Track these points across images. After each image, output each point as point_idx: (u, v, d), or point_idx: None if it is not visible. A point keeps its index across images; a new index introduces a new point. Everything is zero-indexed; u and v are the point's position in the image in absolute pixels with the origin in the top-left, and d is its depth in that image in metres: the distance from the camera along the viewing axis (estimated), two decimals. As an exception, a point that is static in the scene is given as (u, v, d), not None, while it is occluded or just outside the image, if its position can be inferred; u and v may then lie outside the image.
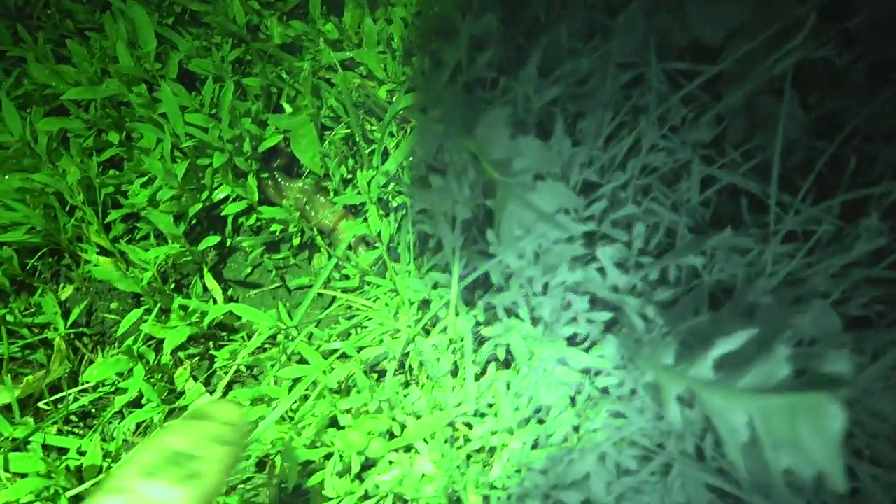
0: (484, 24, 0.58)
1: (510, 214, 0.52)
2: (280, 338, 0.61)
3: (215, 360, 0.62)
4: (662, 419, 0.56)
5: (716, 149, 0.66)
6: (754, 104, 0.71)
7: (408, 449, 0.55)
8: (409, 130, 0.67)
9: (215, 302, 0.65)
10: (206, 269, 0.65)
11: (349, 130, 0.67)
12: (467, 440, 0.56)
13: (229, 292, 0.67)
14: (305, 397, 0.55)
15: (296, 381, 0.56)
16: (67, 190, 0.60)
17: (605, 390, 0.56)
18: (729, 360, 0.47)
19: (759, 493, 0.53)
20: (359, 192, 0.64)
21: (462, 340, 0.55)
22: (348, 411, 0.53)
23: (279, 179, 0.69)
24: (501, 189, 0.52)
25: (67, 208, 0.63)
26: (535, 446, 0.51)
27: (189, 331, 0.59)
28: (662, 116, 0.64)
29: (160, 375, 0.61)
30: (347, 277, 0.64)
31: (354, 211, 0.68)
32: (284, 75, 0.68)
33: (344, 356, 0.57)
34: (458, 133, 0.60)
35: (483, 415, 0.56)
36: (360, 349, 0.56)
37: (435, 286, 0.59)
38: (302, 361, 0.59)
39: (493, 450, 0.54)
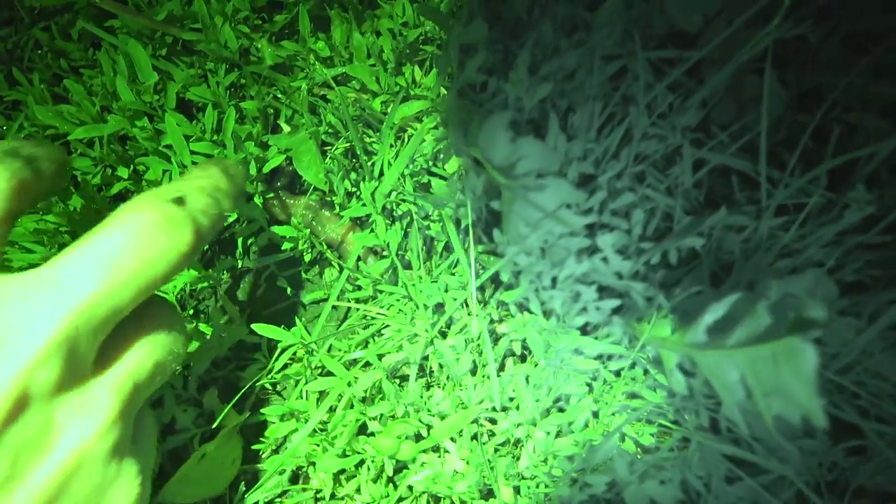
0: (474, 30, 0.60)
1: (517, 215, 0.54)
2: (300, 353, 0.63)
3: (240, 380, 0.64)
4: (675, 395, 0.58)
5: (703, 132, 0.69)
6: (736, 85, 0.73)
7: (436, 449, 0.57)
8: (407, 139, 0.69)
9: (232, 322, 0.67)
10: (221, 292, 0.67)
11: (349, 144, 0.69)
12: (492, 435, 0.59)
13: (246, 312, 0.69)
14: (333, 408, 0.57)
15: (321, 393, 0.58)
16: (80, 227, 0.61)
17: (618, 373, 0.59)
18: (719, 325, 0.50)
19: (770, 453, 0.56)
20: (364, 204, 0.65)
21: (479, 339, 0.57)
22: (376, 418, 0.55)
23: (284, 198, 0.71)
24: (506, 191, 0.54)
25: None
26: (559, 434, 0.54)
27: (213, 354, 0.61)
28: (650, 104, 0.67)
29: (188, 400, 0.63)
30: (360, 288, 0.66)
31: (360, 223, 0.69)
32: (280, 95, 0.70)
33: (366, 364, 0.59)
34: (458, 139, 0.62)
35: (505, 409, 0.58)
36: (380, 356, 0.58)
37: (447, 289, 0.61)
38: (326, 374, 0.61)
39: (518, 441, 0.56)
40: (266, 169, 0.67)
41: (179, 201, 0.43)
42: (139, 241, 0.39)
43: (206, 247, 0.67)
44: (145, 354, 0.42)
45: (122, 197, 0.68)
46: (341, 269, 0.67)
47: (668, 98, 0.67)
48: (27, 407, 0.35)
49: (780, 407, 0.42)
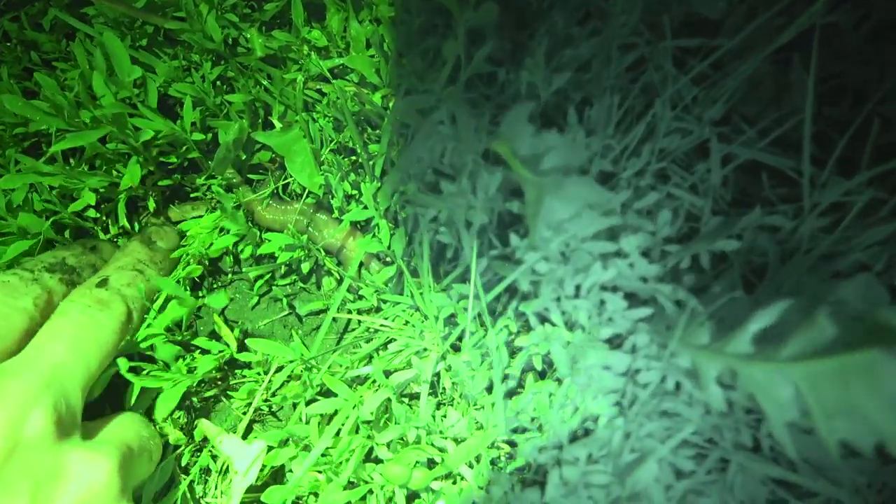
0: (484, 13, 0.55)
1: (543, 215, 0.49)
2: (298, 370, 0.57)
3: (231, 401, 0.58)
4: (710, 412, 0.54)
5: (728, 126, 0.64)
6: (760, 77, 0.69)
7: (451, 476, 0.52)
8: (410, 136, 0.64)
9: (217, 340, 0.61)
10: (216, 316, 0.61)
11: (347, 143, 0.63)
12: (510, 459, 0.53)
13: (238, 326, 0.63)
14: (337, 432, 0.51)
15: (323, 416, 0.53)
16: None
17: (646, 386, 0.54)
18: (767, 334, 0.45)
19: (816, 474, 0.51)
20: (365, 207, 0.60)
21: (496, 351, 0.52)
22: (386, 444, 0.50)
23: (274, 203, 0.65)
24: (531, 189, 0.48)
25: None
26: (589, 460, 0.48)
27: (200, 375, 0.55)
28: (672, 97, 0.62)
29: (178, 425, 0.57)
30: (362, 298, 0.60)
31: (361, 227, 0.64)
32: (272, 87, 0.64)
33: (371, 382, 0.53)
34: (468, 134, 0.57)
35: (524, 430, 0.53)
36: (387, 373, 0.53)
37: (459, 299, 0.56)
38: (326, 393, 0.55)
39: (540, 468, 0.51)
40: (256, 160, 0.61)
41: (103, 283, 0.54)
42: (81, 317, 0.51)
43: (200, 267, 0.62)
44: (130, 434, 0.51)
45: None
46: (341, 278, 0.61)
47: (693, 90, 0.62)
48: (28, 447, 0.44)
49: (847, 431, 0.37)
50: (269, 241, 0.58)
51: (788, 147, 0.63)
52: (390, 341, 0.59)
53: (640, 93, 0.64)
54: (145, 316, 0.57)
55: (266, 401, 0.58)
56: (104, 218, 0.61)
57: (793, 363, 0.41)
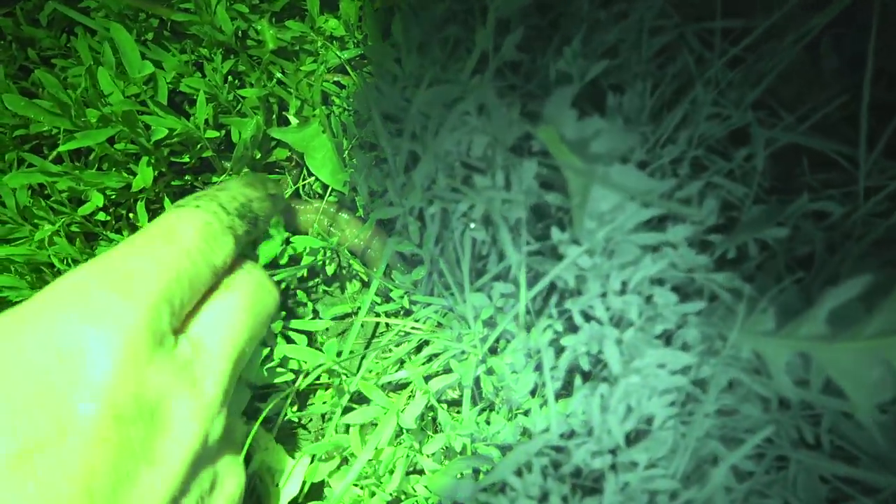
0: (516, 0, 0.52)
1: (590, 206, 0.46)
2: (325, 377, 0.54)
3: (258, 412, 0.55)
4: (767, 408, 0.51)
5: (764, 110, 0.62)
6: (796, 60, 0.66)
7: (495, 485, 0.49)
8: (434, 129, 0.61)
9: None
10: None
11: (368, 137, 0.60)
12: (558, 466, 0.51)
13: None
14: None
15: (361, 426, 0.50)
16: (55, 259, 0.52)
17: (700, 383, 0.51)
18: (837, 316, 0.43)
19: (882, 468, 0.49)
20: (391, 204, 0.57)
21: (544, 352, 0.49)
22: (432, 455, 0.47)
23: (292, 202, 0.62)
24: (577, 179, 0.46)
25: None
26: (649, 465, 0.46)
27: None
28: (708, 82, 0.60)
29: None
30: (390, 300, 0.57)
31: (386, 225, 0.61)
32: (287, 81, 0.61)
33: (401, 387, 0.50)
34: (500, 125, 0.54)
35: (572, 434, 0.50)
36: (427, 378, 0.50)
37: (498, 297, 0.53)
38: (359, 400, 0.52)
39: (593, 473, 0.49)
40: (273, 157, 0.58)
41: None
42: (195, 227, 0.44)
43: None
44: (233, 318, 0.45)
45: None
46: (368, 280, 0.58)
47: (728, 74, 0.60)
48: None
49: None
50: (294, 243, 0.54)
51: (825, 132, 0.61)
52: (424, 344, 0.56)
53: (671, 78, 0.61)
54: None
55: (295, 410, 0.54)
56: (114, 221, 0.57)
57: (882, 339, 0.38)
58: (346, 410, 0.51)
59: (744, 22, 0.58)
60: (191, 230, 0.43)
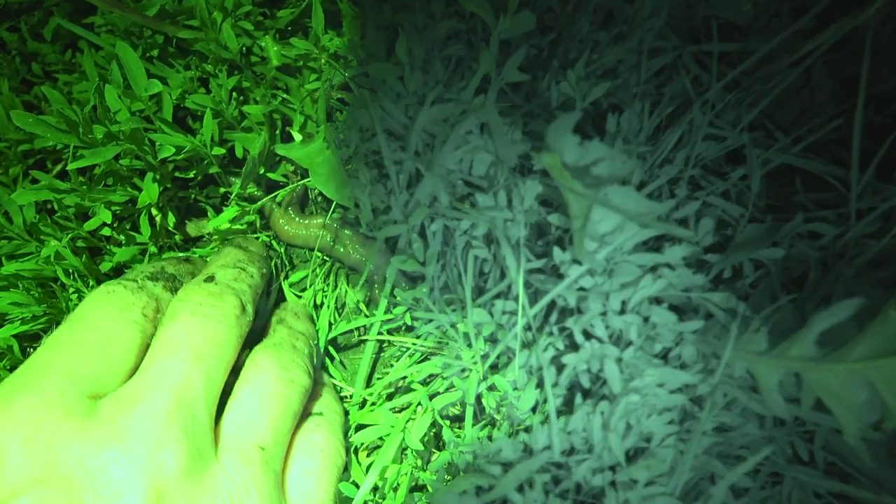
0: (522, 22, 0.53)
1: (589, 228, 0.47)
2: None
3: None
4: (762, 424, 0.52)
5: (760, 131, 0.63)
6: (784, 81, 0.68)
7: (497, 501, 0.50)
8: (437, 147, 0.62)
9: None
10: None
11: (372, 154, 0.61)
12: (558, 482, 0.51)
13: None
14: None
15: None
16: (60, 274, 0.52)
17: (698, 401, 0.52)
18: (829, 336, 0.44)
19: (877, 487, 0.50)
20: (395, 221, 0.57)
21: (546, 369, 0.50)
22: (436, 473, 0.48)
23: (295, 217, 0.63)
24: (577, 201, 0.46)
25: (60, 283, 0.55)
26: (649, 483, 0.47)
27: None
28: (705, 103, 0.61)
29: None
30: (392, 317, 0.58)
31: (388, 241, 0.62)
32: (291, 98, 0.62)
33: (416, 406, 0.51)
34: (503, 144, 0.55)
35: (573, 451, 0.51)
36: (431, 396, 0.51)
37: (500, 314, 0.54)
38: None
39: (593, 490, 0.49)
40: (278, 172, 0.58)
41: (210, 279, 0.51)
42: (194, 320, 0.47)
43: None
44: (256, 408, 0.46)
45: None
46: (366, 299, 0.59)
47: (725, 96, 0.61)
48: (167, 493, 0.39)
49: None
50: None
51: (818, 153, 0.63)
52: (424, 361, 0.57)
53: (668, 100, 0.62)
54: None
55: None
56: (119, 237, 0.58)
57: (868, 362, 0.39)
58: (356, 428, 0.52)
59: (741, 45, 0.60)
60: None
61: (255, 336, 0.54)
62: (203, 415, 0.43)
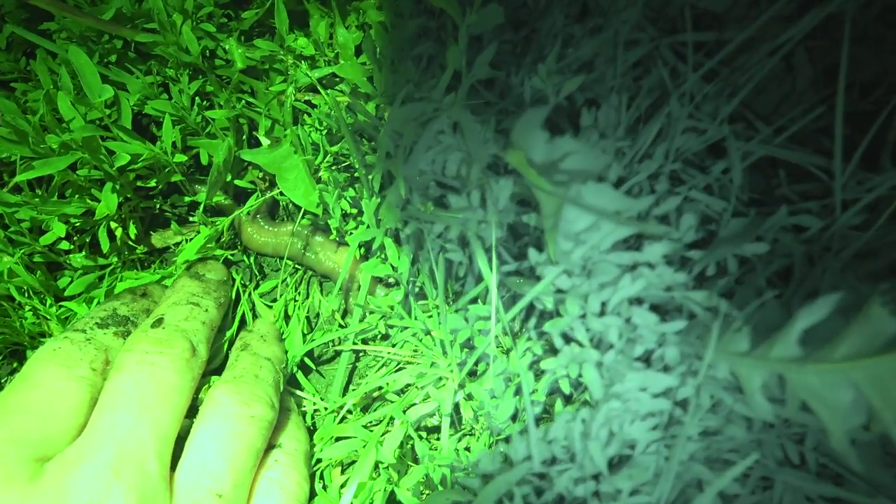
0: (489, 16, 0.51)
1: (561, 227, 0.45)
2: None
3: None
4: (750, 427, 0.50)
5: (740, 123, 0.62)
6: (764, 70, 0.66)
7: (478, 514, 0.48)
8: (408, 148, 0.60)
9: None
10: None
11: (342, 157, 0.59)
12: (540, 493, 0.49)
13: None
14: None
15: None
16: (14, 292, 0.50)
17: (683, 404, 0.50)
18: (813, 335, 0.42)
19: (871, 490, 0.48)
20: (367, 226, 0.55)
21: (523, 376, 0.48)
22: (411, 489, 0.46)
23: (264, 226, 0.60)
24: (547, 200, 0.45)
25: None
26: (633, 492, 0.45)
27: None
28: (683, 95, 0.59)
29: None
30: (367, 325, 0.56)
31: (361, 248, 0.59)
32: (257, 102, 0.59)
33: (390, 419, 0.49)
34: (475, 143, 0.53)
35: (554, 460, 0.49)
36: (406, 409, 0.49)
37: (475, 320, 0.51)
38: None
39: (577, 500, 0.47)
40: (245, 179, 0.56)
41: (158, 322, 0.49)
42: (141, 370, 0.45)
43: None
44: (214, 451, 0.44)
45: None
46: (343, 308, 0.56)
47: (703, 87, 0.59)
48: None
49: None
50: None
51: (801, 144, 0.61)
52: (399, 369, 0.55)
53: (646, 92, 0.61)
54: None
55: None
56: (78, 250, 0.55)
57: (851, 362, 0.37)
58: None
59: (716, 35, 0.58)
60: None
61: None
62: (154, 467, 0.42)
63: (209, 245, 0.57)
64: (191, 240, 0.56)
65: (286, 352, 0.55)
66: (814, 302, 0.40)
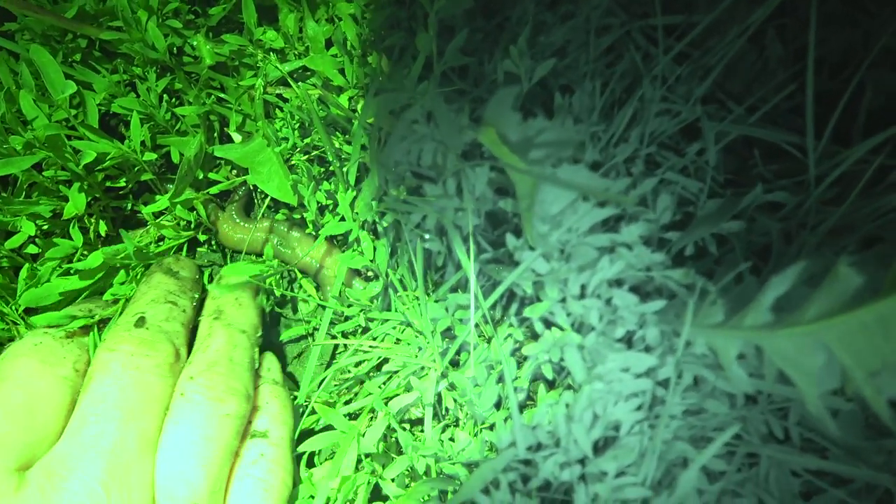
0: (458, 1, 0.50)
1: (537, 210, 0.45)
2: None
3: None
4: (733, 404, 0.50)
5: (713, 104, 0.62)
6: (739, 51, 0.66)
7: (465, 504, 0.47)
8: (383, 139, 0.59)
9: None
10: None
11: (315, 150, 0.58)
12: (526, 480, 0.49)
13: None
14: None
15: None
16: None
17: (665, 383, 0.50)
18: (786, 302, 0.41)
19: (853, 459, 0.48)
20: (342, 219, 0.55)
21: (505, 363, 0.47)
22: (394, 479, 0.45)
23: (238, 221, 0.59)
24: (522, 182, 0.44)
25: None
26: (619, 474, 0.44)
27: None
28: (655, 78, 0.59)
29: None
30: (346, 318, 0.55)
31: (338, 241, 0.59)
32: (227, 97, 0.59)
33: (370, 411, 0.48)
34: (449, 131, 0.53)
35: (539, 446, 0.48)
36: (387, 400, 0.48)
37: (455, 309, 0.51)
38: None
39: (563, 485, 0.47)
40: (215, 190, 0.55)
41: (141, 321, 0.47)
42: (125, 375, 0.44)
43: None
44: (188, 456, 0.43)
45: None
46: (323, 302, 0.56)
47: (676, 70, 0.59)
48: None
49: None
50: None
51: (774, 123, 0.61)
52: (382, 362, 0.54)
53: (619, 77, 0.61)
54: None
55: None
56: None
57: (821, 323, 0.37)
58: (307, 434, 0.49)
59: (685, 17, 0.58)
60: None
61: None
62: (140, 478, 0.42)
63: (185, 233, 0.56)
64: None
65: (263, 310, 0.53)
66: (784, 271, 0.40)
